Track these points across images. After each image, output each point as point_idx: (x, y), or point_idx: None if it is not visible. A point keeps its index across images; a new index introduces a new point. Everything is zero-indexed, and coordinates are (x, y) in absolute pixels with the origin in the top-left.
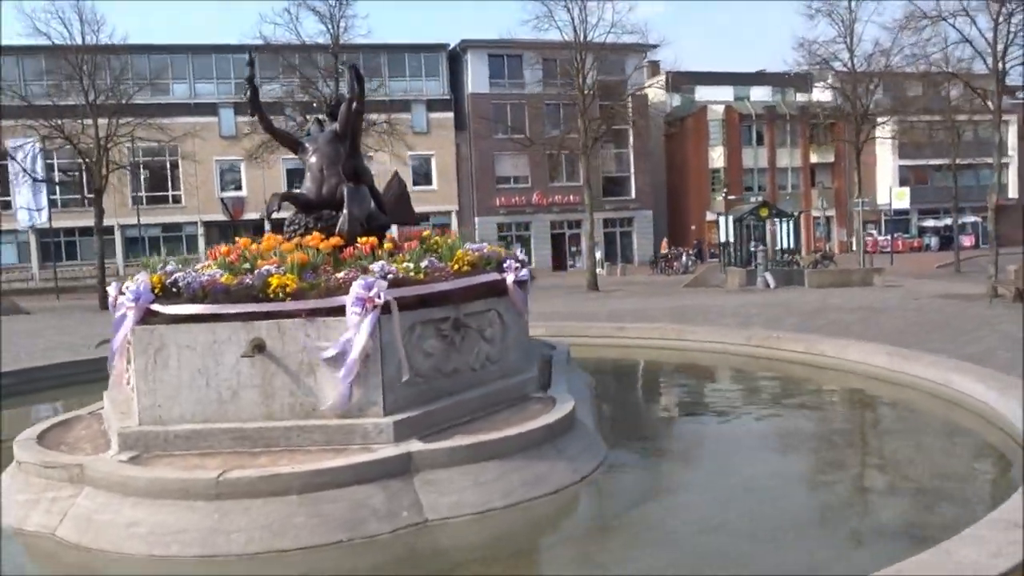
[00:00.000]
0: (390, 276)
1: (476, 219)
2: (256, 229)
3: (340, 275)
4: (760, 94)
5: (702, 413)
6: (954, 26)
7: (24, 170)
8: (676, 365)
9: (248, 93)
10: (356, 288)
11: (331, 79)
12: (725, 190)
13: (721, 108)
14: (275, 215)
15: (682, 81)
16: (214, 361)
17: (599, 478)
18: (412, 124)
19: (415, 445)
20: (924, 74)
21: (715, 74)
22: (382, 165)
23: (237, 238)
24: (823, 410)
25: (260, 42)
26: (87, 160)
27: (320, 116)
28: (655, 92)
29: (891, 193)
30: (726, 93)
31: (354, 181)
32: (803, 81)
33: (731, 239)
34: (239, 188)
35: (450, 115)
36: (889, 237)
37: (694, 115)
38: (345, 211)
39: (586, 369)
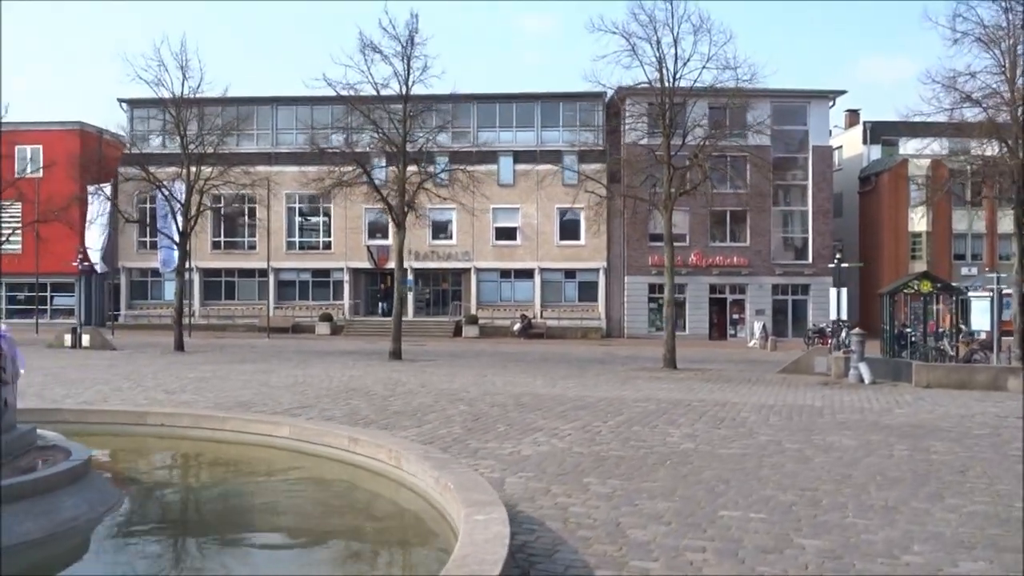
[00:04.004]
0: None
1: (626, 278)
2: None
3: None
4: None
5: None
6: None
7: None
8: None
9: None
10: None
11: (401, 123)
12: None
13: (926, 162)
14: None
15: (884, 132)
16: None
17: None
18: (563, 175)
19: None
20: None
21: (927, 124)
22: (528, 219)
23: None
24: None
25: (328, 89)
26: (178, 204)
27: None
28: (851, 144)
29: None
30: (940, 145)
31: None
32: None
33: (843, 315)
34: (385, 236)
35: (603, 167)
36: None
37: (891, 170)
38: None
39: (231, 489)
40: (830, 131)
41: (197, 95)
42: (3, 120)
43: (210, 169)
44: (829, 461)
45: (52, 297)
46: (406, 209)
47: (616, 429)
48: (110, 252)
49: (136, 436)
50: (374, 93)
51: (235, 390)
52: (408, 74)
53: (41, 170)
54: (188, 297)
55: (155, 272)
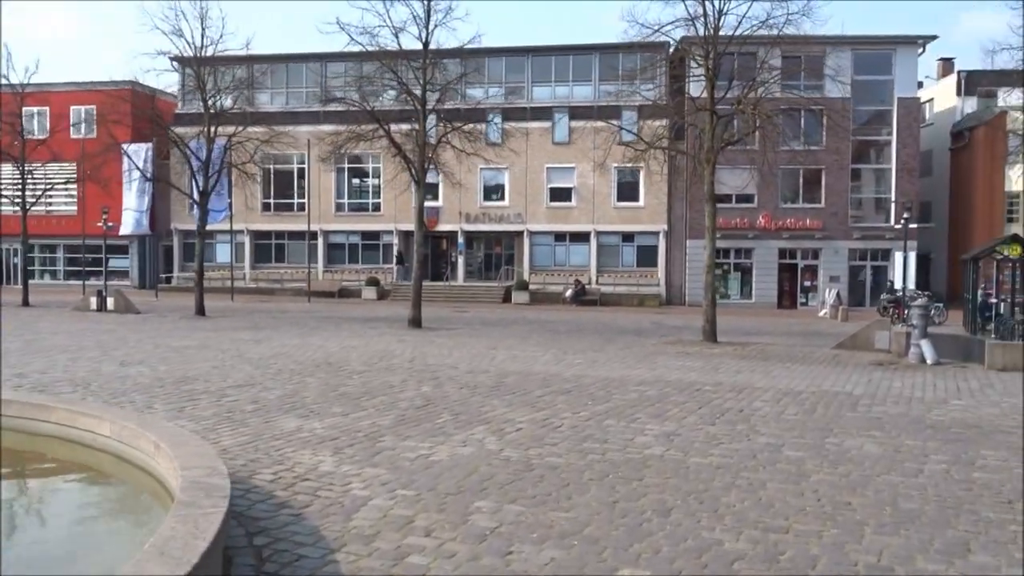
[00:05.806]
0: None
1: (687, 242)
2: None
3: None
4: None
5: None
6: None
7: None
8: None
9: None
10: None
11: (421, 73)
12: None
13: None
14: None
15: (982, 82)
16: None
17: None
18: (620, 133)
19: None
20: None
21: None
22: (584, 179)
23: None
24: None
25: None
26: (198, 162)
27: None
28: (943, 96)
29: None
30: None
31: None
32: None
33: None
34: (436, 198)
35: (664, 123)
36: None
37: (987, 124)
38: None
39: None
40: (920, 82)
41: (218, 49)
42: (32, 81)
43: (233, 128)
44: (831, 479)
45: (107, 260)
46: (427, 166)
47: (582, 423)
48: (163, 214)
49: None
50: (392, 37)
51: (197, 363)
52: (428, 17)
53: (91, 127)
54: (239, 260)
55: (209, 234)
